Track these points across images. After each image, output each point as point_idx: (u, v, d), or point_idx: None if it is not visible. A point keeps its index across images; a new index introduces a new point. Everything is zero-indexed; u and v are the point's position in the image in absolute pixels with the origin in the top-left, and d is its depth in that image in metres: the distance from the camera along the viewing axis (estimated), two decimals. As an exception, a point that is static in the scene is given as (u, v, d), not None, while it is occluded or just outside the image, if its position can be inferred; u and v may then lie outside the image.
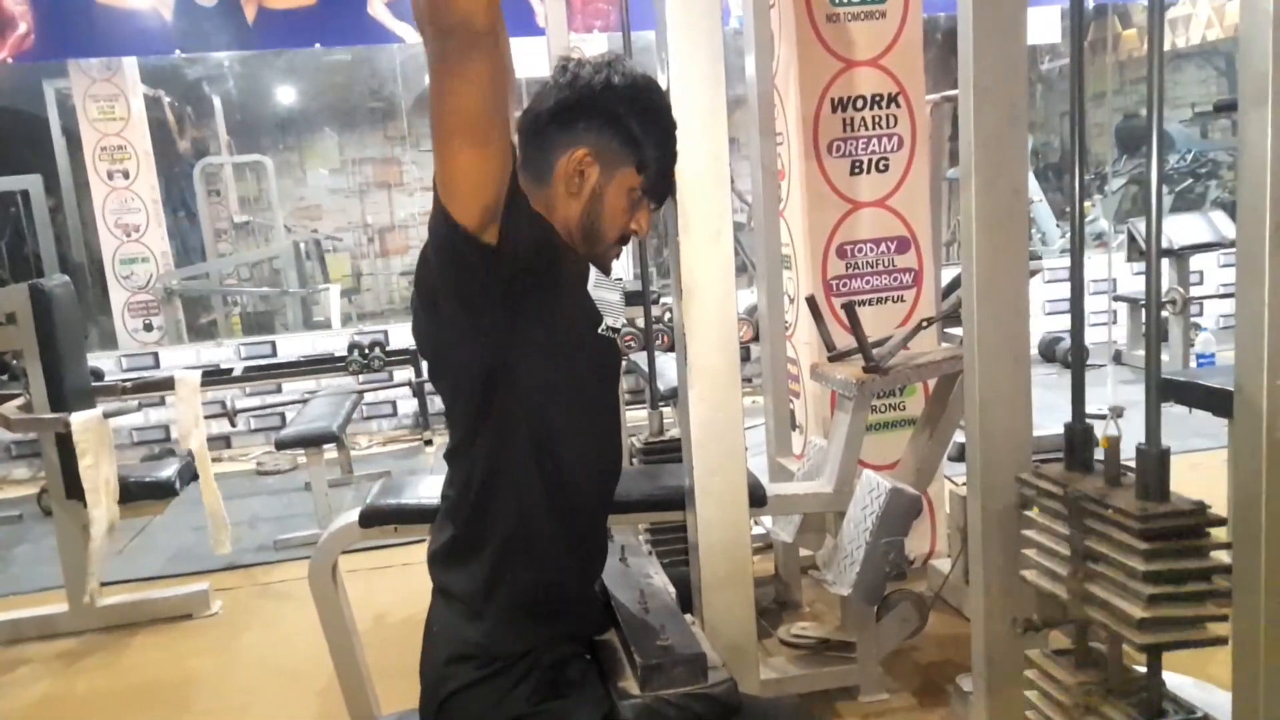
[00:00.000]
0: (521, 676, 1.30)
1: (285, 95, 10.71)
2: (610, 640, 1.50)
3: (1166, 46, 8.26)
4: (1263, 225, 1.24)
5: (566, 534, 1.36)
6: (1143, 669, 1.54)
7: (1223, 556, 1.38)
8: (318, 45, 6.50)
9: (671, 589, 1.65)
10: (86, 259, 8.15)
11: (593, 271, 1.48)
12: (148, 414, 6.19)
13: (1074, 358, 1.78)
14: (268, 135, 10.38)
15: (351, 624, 2.43)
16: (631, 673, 1.41)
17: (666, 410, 3.52)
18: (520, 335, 1.26)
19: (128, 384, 4.20)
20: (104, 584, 3.50)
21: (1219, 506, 1.40)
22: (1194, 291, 5.73)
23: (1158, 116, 1.46)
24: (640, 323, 4.17)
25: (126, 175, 7.24)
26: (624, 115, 1.35)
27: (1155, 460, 1.41)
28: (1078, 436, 1.66)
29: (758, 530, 3.25)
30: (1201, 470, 3.49)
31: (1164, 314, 5.94)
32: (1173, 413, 3.03)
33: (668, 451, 3.01)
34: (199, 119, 9.25)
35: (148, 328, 7.41)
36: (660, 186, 1.42)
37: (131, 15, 5.92)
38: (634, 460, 3.08)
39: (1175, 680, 1.80)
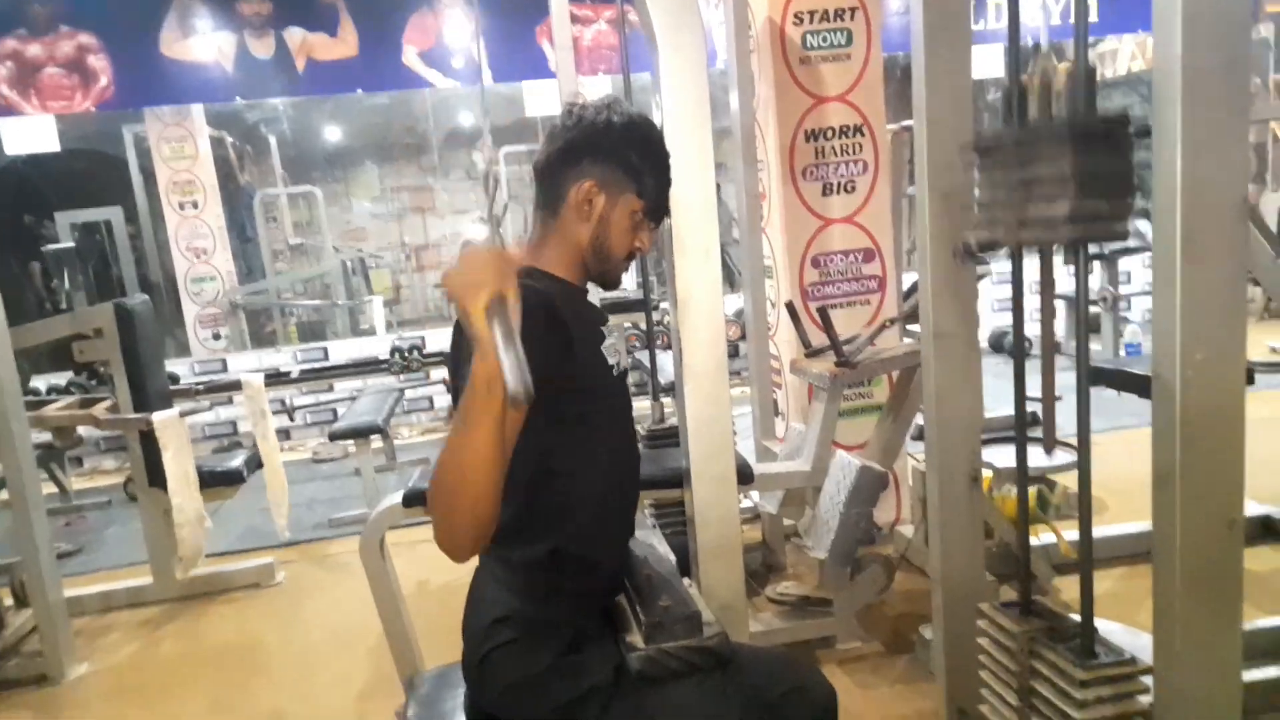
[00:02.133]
0: (550, 635, 1.31)
1: (332, 134, 10.73)
2: (620, 602, 1.51)
3: (1096, 77, 8.20)
4: (1174, 237, 1.25)
5: (594, 527, 1.37)
6: (1079, 617, 1.55)
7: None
8: (359, 90, 6.50)
9: (672, 557, 1.66)
10: (162, 278, 8.17)
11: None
12: (218, 412, 6.22)
13: (1015, 350, 1.79)
14: (317, 169, 10.40)
15: (398, 591, 2.44)
16: (638, 629, 1.41)
17: (666, 401, 3.53)
18: (564, 389, 1.24)
19: (200, 387, 4.21)
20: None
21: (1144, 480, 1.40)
22: (1123, 290, 5.71)
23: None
24: (643, 325, 4.18)
25: (196, 205, 7.26)
26: (624, 149, 1.36)
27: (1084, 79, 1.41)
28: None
29: (746, 503, 3.25)
30: (1131, 445, 3.49)
31: (1096, 309, 5.94)
32: (1107, 396, 3.05)
33: (668, 437, 3.01)
34: (257, 156, 9.28)
35: (216, 337, 7.44)
36: (659, 209, 1.43)
37: (197, 68, 5.94)
38: (641, 446, 3.09)
39: (1107, 626, 1.81)
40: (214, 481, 3.47)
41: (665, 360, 4.33)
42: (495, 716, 1.38)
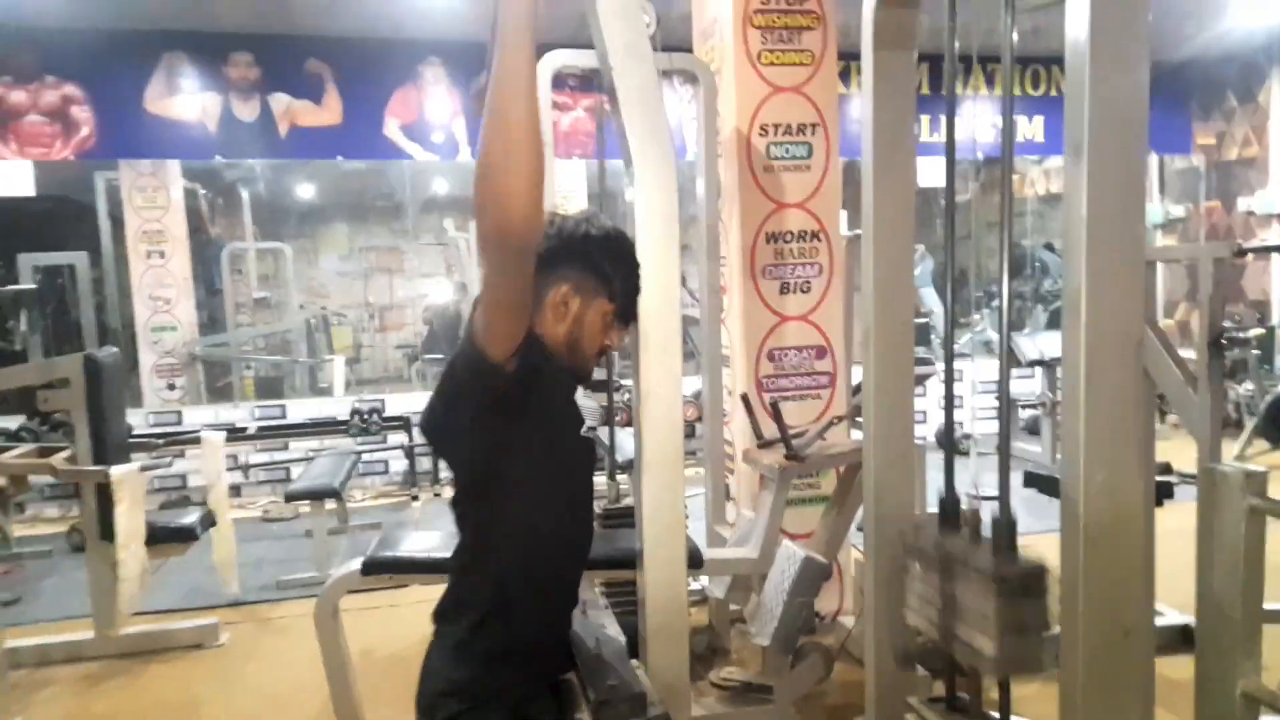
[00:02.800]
0: (496, 708, 1.39)
1: (305, 192, 10.86)
2: (570, 679, 1.59)
3: (1042, 191, 8.64)
4: (1079, 370, 1.41)
5: (541, 598, 1.47)
6: (998, 715, 1.67)
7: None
8: (339, 158, 6.67)
9: (622, 637, 1.76)
10: (120, 325, 8.13)
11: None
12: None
13: (945, 447, 1.93)
14: (288, 225, 10.48)
15: (348, 658, 2.48)
16: (586, 707, 1.50)
17: (622, 479, 3.62)
18: (515, 437, 1.38)
19: (159, 441, 4.22)
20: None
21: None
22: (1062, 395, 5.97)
23: (1008, 258, 1.65)
24: (604, 404, 4.29)
25: (163, 255, 7.30)
26: (599, 259, 1.50)
27: (1006, 527, 1.56)
28: (949, 507, 1.79)
29: (695, 586, 3.34)
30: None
31: (1037, 414, 6.19)
32: (1042, 499, 3.22)
33: (623, 517, 3.10)
34: (229, 209, 9.35)
35: (170, 387, 7.40)
36: (628, 312, 1.58)
37: (180, 125, 6.07)
38: (595, 526, 3.17)
39: (1025, 725, 1.93)
40: (167, 538, 3.47)
41: (623, 439, 4.44)
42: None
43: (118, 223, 7.52)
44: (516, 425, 1.36)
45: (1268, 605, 1.59)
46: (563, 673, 1.62)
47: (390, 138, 6.32)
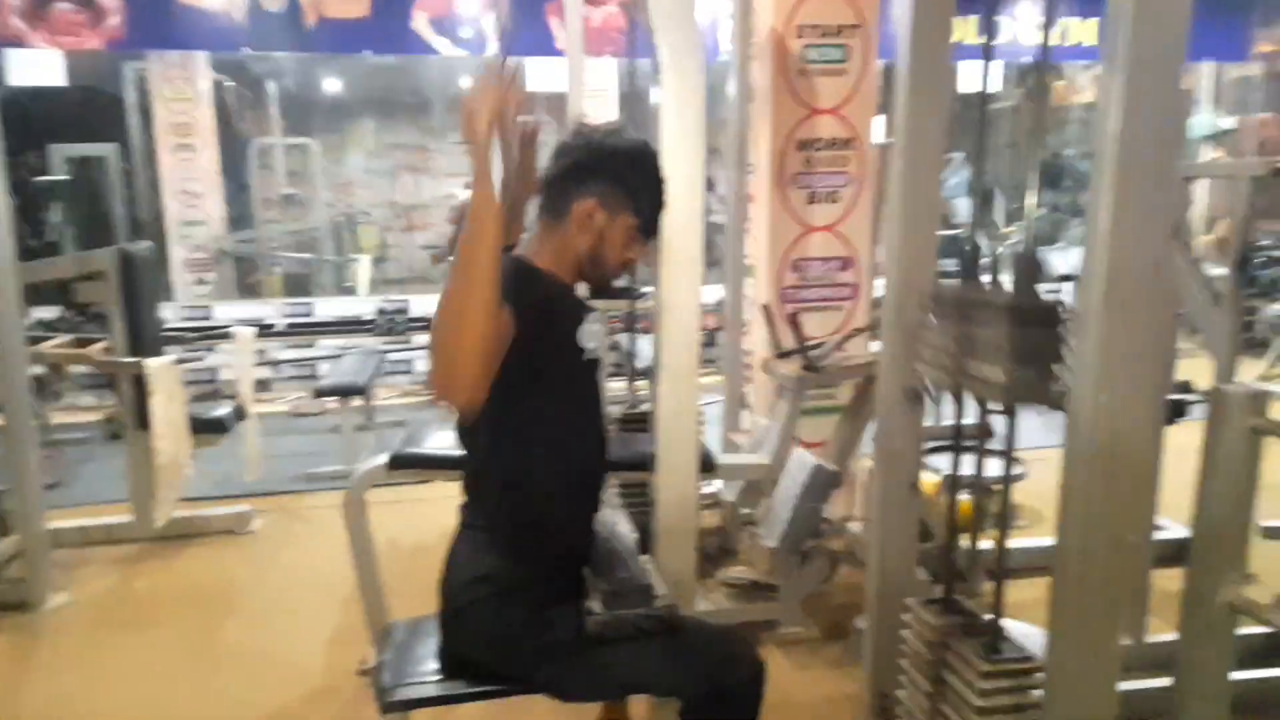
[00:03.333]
0: (523, 594, 1.49)
1: (332, 86, 10.73)
2: (585, 571, 1.68)
3: (1091, 98, 8.32)
4: (1099, 286, 1.42)
5: (567, 498, 1.56)
6: (991, 616, 1.74)
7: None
8: (367, 52, 6.56)
9: (634, 534, 1.84)
10: (151, 218, 8.21)
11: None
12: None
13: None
14: (315, 120, 10.40)
15: (373, 547, 2.60)
16: (598, 596, 1.59)
17: (639, 384, 3.69)
18: (532, 375, 1.41)
19: (192, 334, 4.32)
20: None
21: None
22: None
23: (1038, 168, 1.64)
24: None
25: (192, 149, 7.31)
26: (625, 173, 1.52)
27: (1027, 265, 1.61)
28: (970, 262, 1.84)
29: (709, 489, 3.43)
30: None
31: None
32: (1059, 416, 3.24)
33: (640, 422, 3.17)
34: (256, 103, 9.28)
35: (200, 282, 7.52)
36: (652, 227, 1.60)
37: (208, 15, 5.98)
38: (614, 429, 3.25)
39: (1018, 627, 2.00)
40: (199, 429, 3.60)
41: (643, 344, 4.49)
42: (466, 663, 1.55)
43: (147, 115, 7.52)
44: (532, 366, 1.39)
45: (1263, 522, 1.62)
46: (583, 564, 1.71)
47: (419, 32, 6.19)
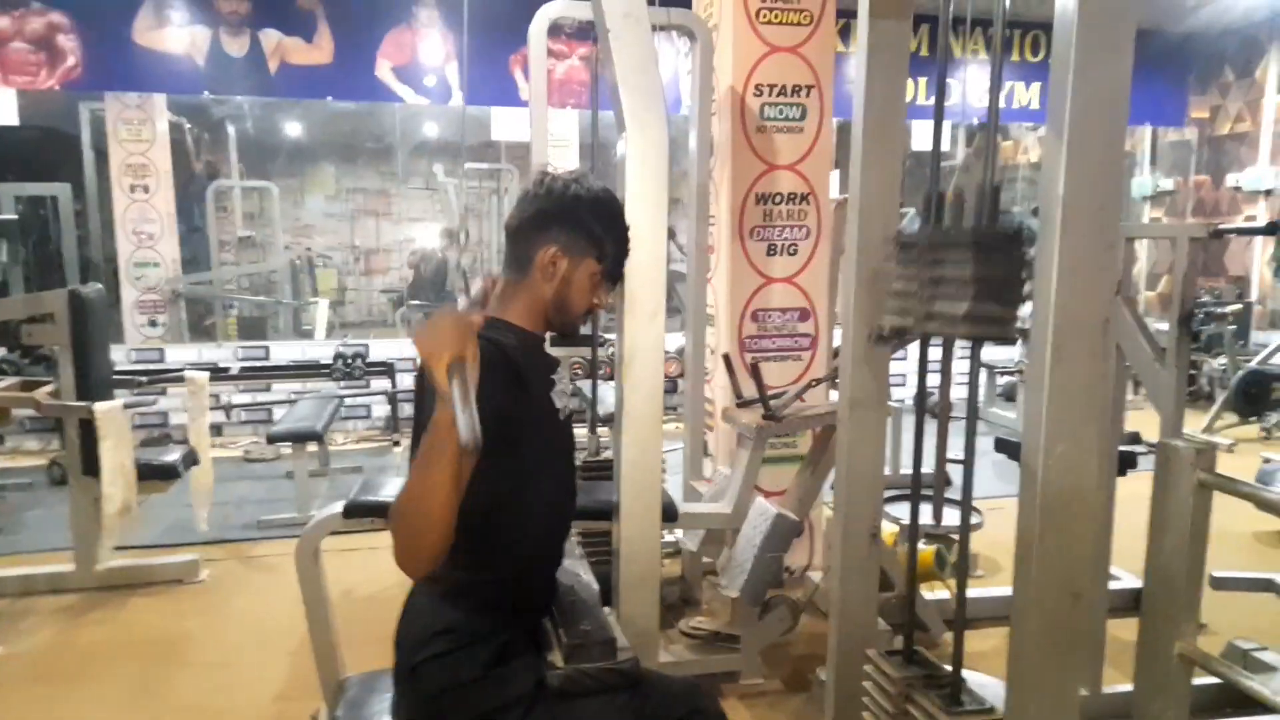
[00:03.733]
0: (480, 648, 1.45)
1: (293, 130, 10.71)
2: (545, 623, 1.66)
3: (1035, 158, 8.63)
4: (1046, 343, 1.46)
5: (533, 550, 1.54)
6: (950, 668, 1.75)
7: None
8: (329, 98, 6.58)
9: (595, 585, 1.83)
10: (102, 259, 8.07)
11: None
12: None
13: (917, 417, 2.00)
14: (275, 163, 10.37)
15: (327, 597, 2.54)
16: (559, 649, 1.57)
17: (603, 431, 3.69)
18: (508, 436, 1.37)
19: (143, 377, 4.23)
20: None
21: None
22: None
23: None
24: (588, 357, 4.34)
25: (147, 189, 7.24)
26: (588, 219, 1.53)
27: (991, 195, 1.64)
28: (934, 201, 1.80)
29: (670, 539, 3.42)
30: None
31: (1014, 379, 6.30)
32: (1012, 465, 3.31)
33: (602, 469, 3.17)
34: (215, 145, 9.23)
35: (152, 324, 7.38)
36: (616, 272, 1.61)
37: (168, 58, 5.96)
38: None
39: (977, 678, 2.02)
40: (149, 474, 3.50)
41: (605, 391, 4.50)
42: (423, 719, 1.51)
43: (102, 155, 7.43)
44: (501, 440, 1.35)
45: (1220, 573, 1.66)
46: (542, 617, 1.68)
47: (382, 79, 6.24)
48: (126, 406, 3.40)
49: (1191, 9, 7.10)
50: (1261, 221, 7.62)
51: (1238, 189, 7.96)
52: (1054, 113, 1.47)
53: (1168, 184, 8.57)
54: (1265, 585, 2.95)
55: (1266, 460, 4.15)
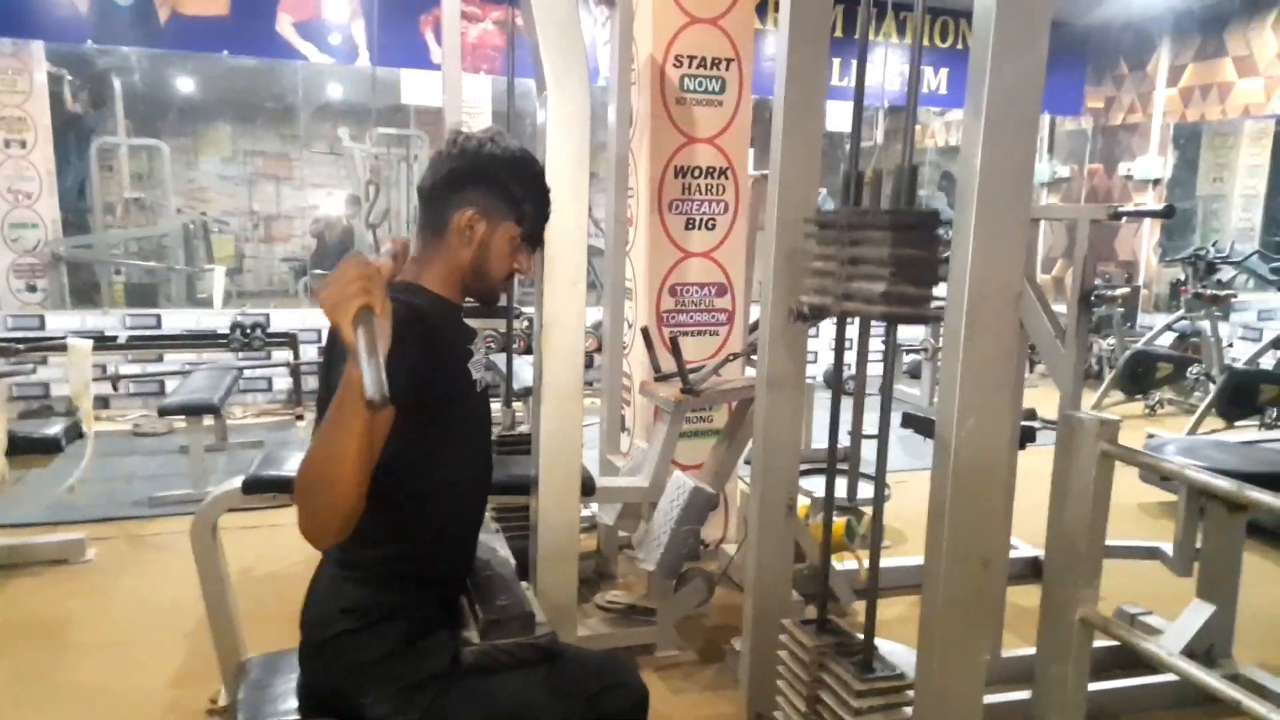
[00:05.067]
0: (392, 624, 1.41)
1: (185, 86, 10.13)
2: (461, 599, 1.63)
3: (942, 142, 8.88)
4: (960, 319, 1.50)
5: (444, 530, 1.49)
6: (862, 636, 1.80)
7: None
8: (225, 52, 6.25)
9: (512, 560, 1.80)
10: (-26, 219, 7.51)
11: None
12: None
13: (834, 394, 2.03)
14: (165, 120, 9.80)
15: (226, 576, 2.44)
16: (475, 625, 1.54)
17: (517, 406, 3.64)
18: (423, 407, 1.32)
19: (20, 345, 3.96)
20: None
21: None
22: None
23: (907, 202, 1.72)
24: (503, 330, 4.27)
25: (24, 145, 6.74)
26: (506, 180, 1.48)
27: (909, 177, 1.67)
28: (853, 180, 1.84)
29: (586, 513, 3.42)
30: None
31: (919, 357, 6.51)
32: (918, 440, 3.42)
33: (518, 443, 3.13)
34: (98, 99, 8.66)
35: (31, 289, 6.91)
36: (536, 235, 1.56)
37: (45, 4, 5.55)
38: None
39: (888, 646, 2.08)
40: (29, 448, 3.30)
41: (520, 365, 4.45)
42: (328, 700, 1.46)
43: (-30, 107, 6.89)
44: (415, 411, 1.30)
45: (1109, 541, 1.75)
46: (457, 595, 1.65)
47: (283, 35, 5.95)
48: (1, 376, 3.17)
49: (1092, 3, 7.39)
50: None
51: (1129, 177, 8.38)
52: (973, 97, 1.50)
53: (1064, 171, 8.96)
54: (1151, 553, 3.14)
55: (1151, 435, 4.40)
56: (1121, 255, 8.54)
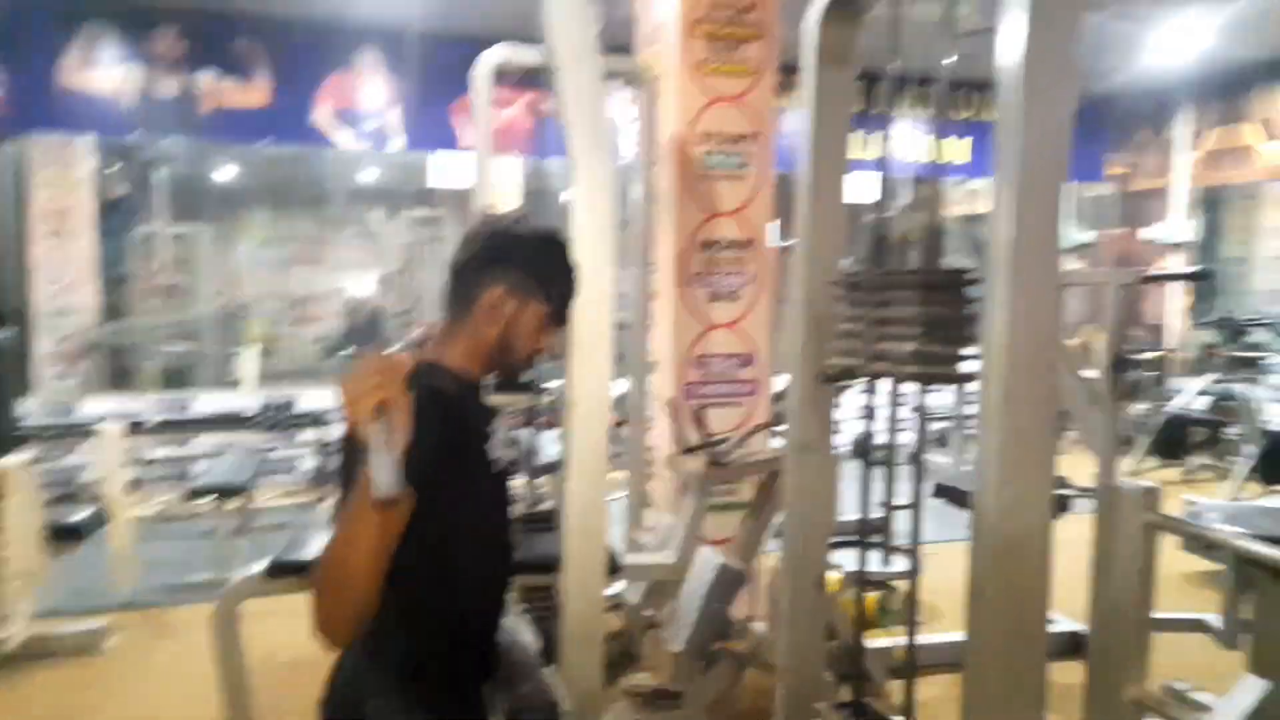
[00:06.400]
0: (413, 713, 1.35)
1: (225, 174, 10.46)
2: (486, 688, 1.56)
3: (971, 211, 8.90)
4: (998, 388, 1.45)
5: (471, 611, 1.44)
6: (902, 718, 1.70)
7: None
8: (265, 141, 6.46)
9: (535, 644, 1.73)
10: (16, 308, 7.70)
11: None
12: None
13: (863, 463, 1.97)
14: (204, 207, 10.10)
15: (244, 667, 2.38)
16: (502, 713, 1.48)
17: (539, 482, 3.59)
18: (443, 494, 1.28)
19: (51, 431, 3.99)
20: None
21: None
22: (969, 409, 6.15)
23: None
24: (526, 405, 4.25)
25: (67, 234, 6.96)
26: (534, 259, 1.47)
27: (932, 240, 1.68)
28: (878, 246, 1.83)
29: (610, 591, 3.32)
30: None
31: (948, 425, 6.38)
32: (951, 510, 3.32)
33: (540, 522, 3.07)
34: (142, 189, 8.95)
35: (66, 376, 7.04)
36: (563, 314, 1.55)
37: (96, 99, 5.79)
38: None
39: (931, 733, 1.97)
40: (54, 536, 3.28)
41: (543, 441, 4.40)
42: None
43: (19, 198, 7.13)
44: (435, 497, 1.27)
45: (1157, 614, 1.65)
46: (482, 681, 1.58)
47: (320, 123, 6.15)
48: (34, 462, 3.18)
49: (1109, 70, 7.47)
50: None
51: (1151, 241, 8.33)
52: (1001, 161, 1.48)
53: (1088, 236, 8.93)
54: (1197, 625, 2.98)
55: (1190, 502, 4.25)
56: (1148, 319, 8.43)
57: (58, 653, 3.36)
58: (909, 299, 1.58)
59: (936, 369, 1.54)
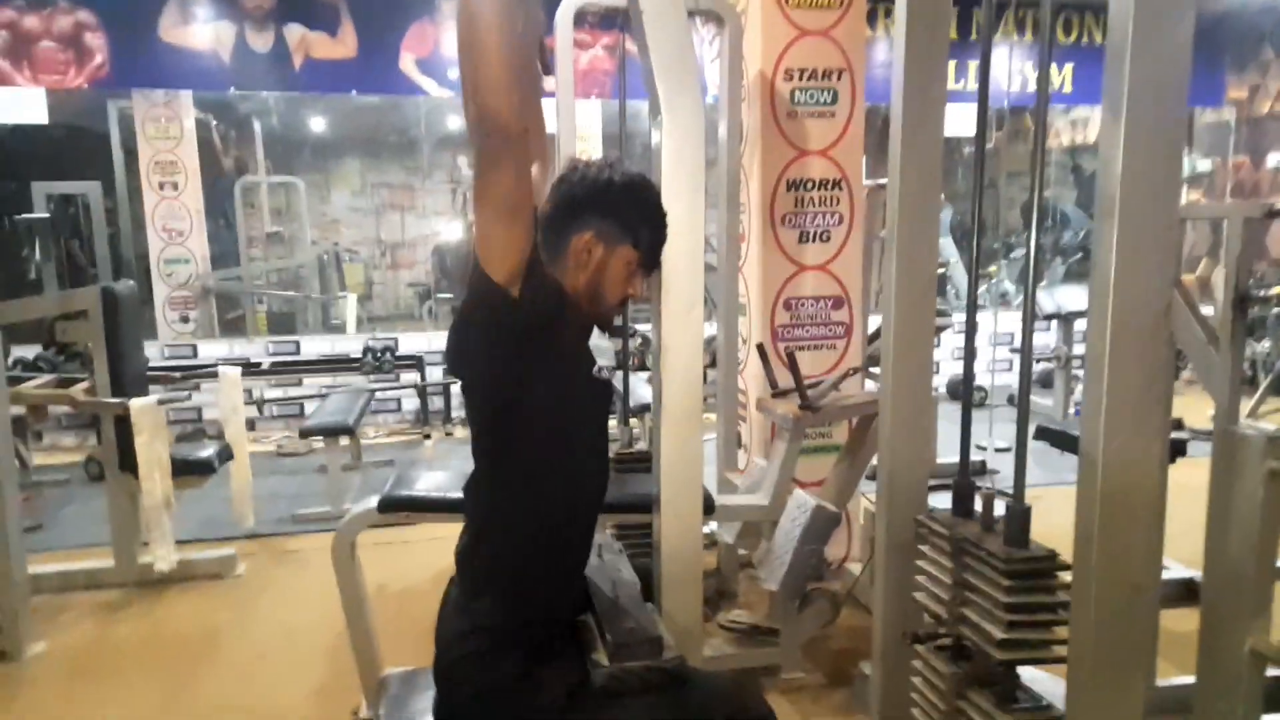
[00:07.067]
0: (514, 648, 1.42)
1: (318, 125, 10.72)
2: (587, 621, 1.63)
3: (1066, 142, 8.47)
4: (1104, 335, 1.40)
5: (557, 541, 1.49)
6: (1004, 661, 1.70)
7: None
8: (354, 91, 6.59)
9: (637, 581, 1.79)
10: (134, 257, 8.14)
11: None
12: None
13: (964, 410, 1.94)
14: (300, 158, 10.39)
15: (364, 593, 2.53)
16: (603, 648, 1.54)
17: (634, 423, 3.65)
18: (529, 374, 1.39)
19: (176, 373, 4.25)
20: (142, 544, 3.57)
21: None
22: (1078, 349, 5.95)
23: (1036, 205, 1.64)
24: (618, 347, 4.32)
25: (175, 187, 7.27)
26: (622, 205, 1.49)
27: (1019, 514, 1.58)
28: (963, 490, 1.82)
29: (706, 530, 3.38)
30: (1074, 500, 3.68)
31: (1050, 367, 6.18)
32: (1054, 452, 3.24)
33: (636, 462, 3.13)
34: (241, 141, 9.27)
35: (184, 320, 7.44)
36: (652, 260, 1.56)
37: (194, 55, 6.01)
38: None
39: (1032, 674, 1.96)
40: (184, 470, 3.52)
41: (636, 383, 4.47)
42: (460, 719, 1.49)
43: (131, 153, 7.48)
44: (528, 359, 1.37)
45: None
46: (579, 614, 1.65)
47: (406, 72, 6.23)
48: (161, 402, 3.41)
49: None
50: (1303, 201, 7.42)
51: (1278, 170, 7.76)
52: (1110, 93, 1.41)
53: (1205, 165, 8.37)
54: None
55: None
56: (1274, 253, 7.90)
57: (197, 575, 3.64)
58: (992, 582, 1.56)
59: (1026, 651, 1.56)
